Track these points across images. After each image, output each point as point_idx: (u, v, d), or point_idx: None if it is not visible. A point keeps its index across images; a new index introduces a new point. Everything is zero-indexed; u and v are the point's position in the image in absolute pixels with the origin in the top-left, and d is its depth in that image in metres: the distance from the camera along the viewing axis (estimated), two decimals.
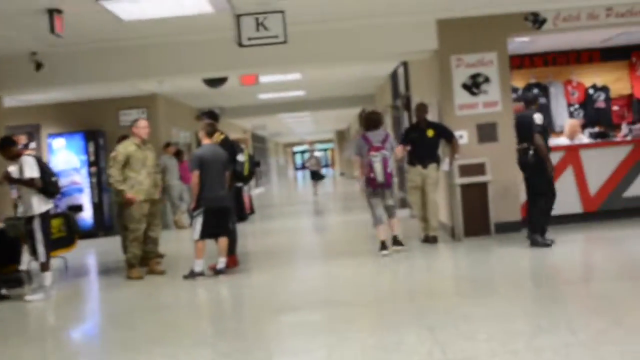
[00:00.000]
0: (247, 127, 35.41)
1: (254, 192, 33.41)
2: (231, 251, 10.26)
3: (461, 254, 10.17)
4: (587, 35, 13.38)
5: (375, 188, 10.39)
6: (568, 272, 8.54)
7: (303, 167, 61.62)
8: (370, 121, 10.89)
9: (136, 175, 10.20)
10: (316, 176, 29.21)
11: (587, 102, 14.76)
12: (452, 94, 11.31)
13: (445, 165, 11.06)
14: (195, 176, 9.56)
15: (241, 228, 16.72)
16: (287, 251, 12.17)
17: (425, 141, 10.97)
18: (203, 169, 9.55)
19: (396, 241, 10.59)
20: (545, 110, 14.41)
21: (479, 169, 10.88)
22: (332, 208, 22.02)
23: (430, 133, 10.98)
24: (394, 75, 18.10)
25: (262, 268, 10.42)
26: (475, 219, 10.86)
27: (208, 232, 9.64)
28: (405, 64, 15.67)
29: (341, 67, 15.50)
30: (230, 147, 10.25)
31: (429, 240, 10.96)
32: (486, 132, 11.25)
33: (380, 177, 10.26)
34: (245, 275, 9.80)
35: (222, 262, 9.65)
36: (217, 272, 9.63)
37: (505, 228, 11.09)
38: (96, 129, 17.53)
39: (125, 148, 10.28)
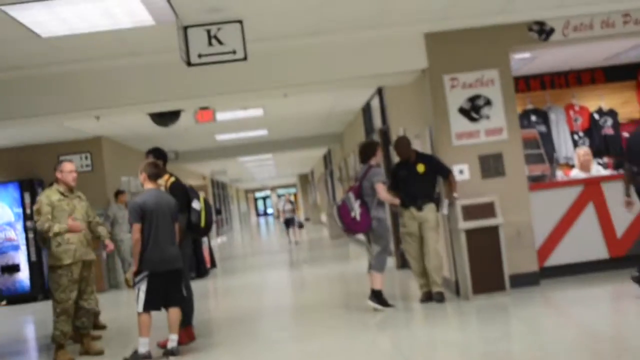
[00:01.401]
0: (206, 173, 33.45)
1: (214, 242, 31.26)
2: (186, 322, 8.23)
3: (477, 320, 8.14)
4: (589, 52, 11.68)
5: (346, 233, 9.49)
6: (626, 346, 6.60)
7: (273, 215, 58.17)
8: (359, 154, 9.25)
9: None
10: (291, 223, 25.94)
11: (592, 129, 12.92)
12: (448, 121, 9.40)
13: (444, 209, 9.12)
14: (136, 231, 7.51)
15: (201, 286, 14.65)
16: (256, 318, 10.01)
17: (416, 178, 9.09)
18: (145, 221, 7.52)
19: (377, 298, 8.94)
20: (546, 140, 12.58)
21: (487, 210, 8.93)
22: (303, 259, 19.69)
23: (420, 168, 9.09)
24: (366, 109, 16.25)
25: (225, 344, 8.32)
26: (486, 271, 8.84)
27: (154, 303, 7.56)
28: (380, 93, 13.83)
29: (309, 95, 13.54)
30: (183, 193, 8.27)
31: (433, 298, 8.98)
32: (491, 165, 9.35)
33: (338, 222, 8.97)
34: (204, 355, 7.72)
35: (173, 341, 7.54)
36: (167, 353, 7.55)
37: (522, 281, 9.12)
38: (33, 178, 15.39)
39: (48, 197, 8.23)
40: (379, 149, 9.36)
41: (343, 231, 9.16)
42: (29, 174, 15.54)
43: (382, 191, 8.84)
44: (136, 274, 7.51)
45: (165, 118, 12.97)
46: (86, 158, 15.85)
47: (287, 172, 47.06)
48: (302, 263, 18.06)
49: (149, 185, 7.72)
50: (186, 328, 8.22)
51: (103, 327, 10.01)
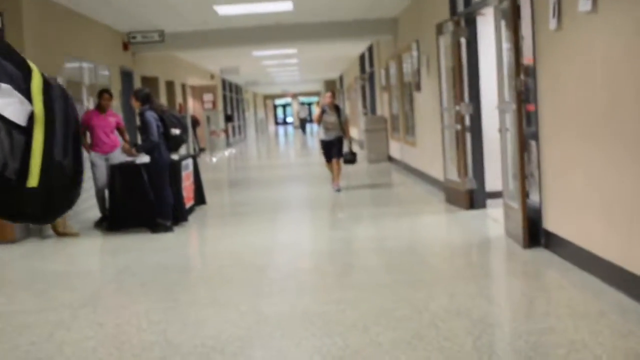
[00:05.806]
0: (215, 71, 27.37)
1: (219, 156, 25.31)
2: None
3: None
4: None
5: None
6: None
7: (304, 121, 50.03)
8: None
9: None
10: (333, 149, 12.97)
11: None
12: None
13: None
14: None
15: (160, 249, 7.98)
16: None
17: None
18: None
19: None
20: None
21: None
22: (335, 197, 12.49)
23: None
24: None
25: None
26: None
27: None
28: None
29: None
30: None
31: None
32: None
33: None
34: None
35: None
36: None
37: None
38: None
39: None
40: None
41: None
42: None
43: None
44: None
45: None
46: None
47: (312, 77, 40.82)
48: (335, 206, 11.82)
49: None
50: None
51: None
